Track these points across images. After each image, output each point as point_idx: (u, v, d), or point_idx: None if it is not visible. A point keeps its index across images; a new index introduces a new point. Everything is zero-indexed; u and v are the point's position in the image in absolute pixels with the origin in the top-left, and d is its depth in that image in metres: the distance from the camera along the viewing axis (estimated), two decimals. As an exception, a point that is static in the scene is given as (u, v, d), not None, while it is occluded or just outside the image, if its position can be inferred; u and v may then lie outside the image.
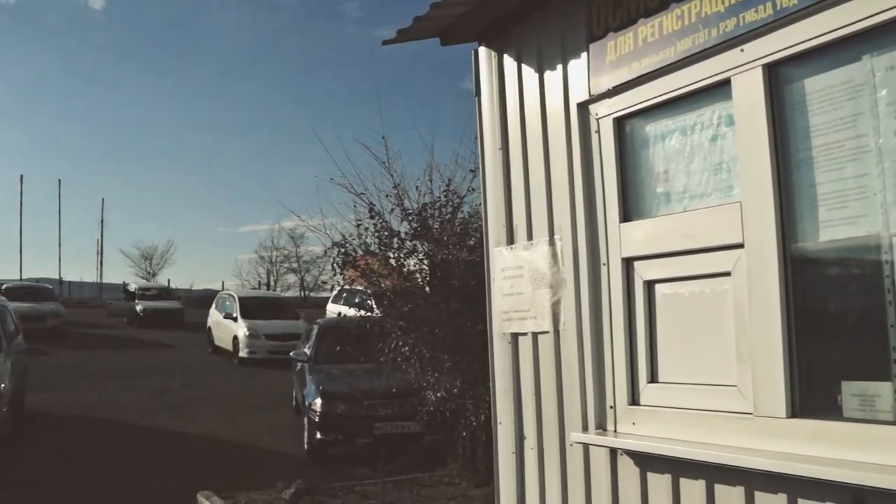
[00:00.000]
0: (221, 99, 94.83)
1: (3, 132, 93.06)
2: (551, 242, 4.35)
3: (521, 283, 4.56)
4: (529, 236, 4.55)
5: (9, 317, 14.06)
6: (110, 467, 11.06)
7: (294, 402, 14.56)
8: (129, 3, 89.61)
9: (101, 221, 65.13)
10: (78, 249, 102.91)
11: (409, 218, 9.54)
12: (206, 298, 44.22)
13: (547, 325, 4.35)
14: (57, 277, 58.34)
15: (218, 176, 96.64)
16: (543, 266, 4.39)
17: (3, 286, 27.44)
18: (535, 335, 4.47)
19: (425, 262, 9.56)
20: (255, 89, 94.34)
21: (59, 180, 64.97)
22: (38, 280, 44.71)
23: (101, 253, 65.28)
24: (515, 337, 4.65)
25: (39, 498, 9.50)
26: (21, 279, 47.30)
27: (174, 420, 14.36)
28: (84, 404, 15.75)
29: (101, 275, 64.55)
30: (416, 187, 9.69)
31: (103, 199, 66.48)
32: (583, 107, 4.21)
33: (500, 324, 4.78)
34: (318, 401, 11.26)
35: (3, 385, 11.23)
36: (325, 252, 10.28)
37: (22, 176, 63.05)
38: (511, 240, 4.72)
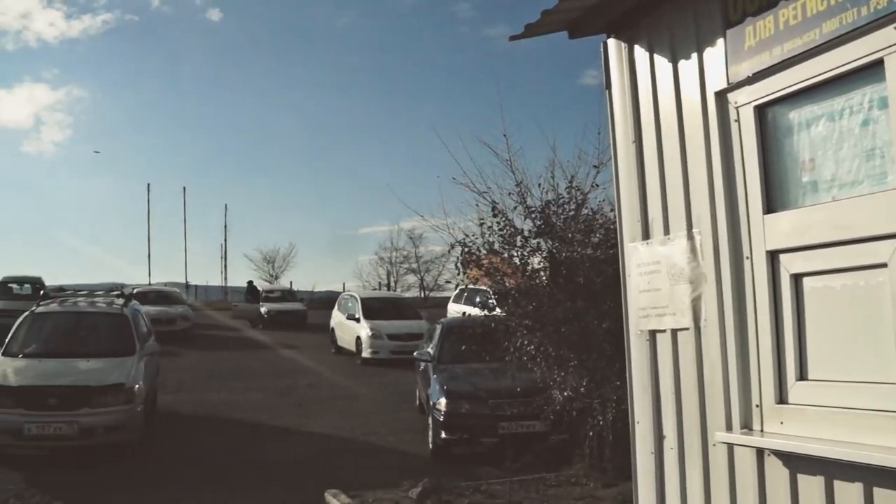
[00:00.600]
0: (338, 103, 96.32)
1: (132, 143, 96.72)
2: (690, 236, 4.22)
3: (659, 278, 4.45)
4: (666, 231, 4.42)
5: (141, 320, 14.52)
6: (239, 465, 11.29)
7: (418, 402, 14.62)
8: (245, 13, 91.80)
9: (225, 226, 66.82)
10: (203, 254, 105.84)
11: (532, 215, 9.46)
12: (327, 300, 44.85)
13: (687, 321, 4.22)
14: (184, 281, 60.07)
15: (336, 179, 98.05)
16: (682, 261, 4.27)
17: (134, 290, 28.35)
18: (674, 332, 4.35)
19: (549, 259, 9.46)
20: (370, 93, 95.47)
21: (184, 188, 66.78)
22: (165, 284, 46.10)
23: (224, 257, 67.02)
24: (653, 334, 4.53)
25: (170, 496, 9.76)
26: (150, 284, 48.89)
27: (300, 419, 14.58)
28: (212, 404, 16.15)
29: (225, 278, 66.26)
30: (539, 184, 9.60)
31: (226, 205, 68.19)
32: (721, 95, 4.07)
33: (637, 321, 4.67)
34: (443, 400, 11.26)
35: (137, 386, 11.58)
36: (450, 250, 10.26)
37: (149, 184, 65.13)
38: (647, 235, 4.60)
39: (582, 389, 8.89)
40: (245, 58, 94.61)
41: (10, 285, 32.43)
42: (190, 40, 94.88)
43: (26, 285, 32.57)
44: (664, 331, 4.43)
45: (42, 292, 18.24)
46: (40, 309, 13.56)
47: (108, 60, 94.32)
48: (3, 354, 12.17)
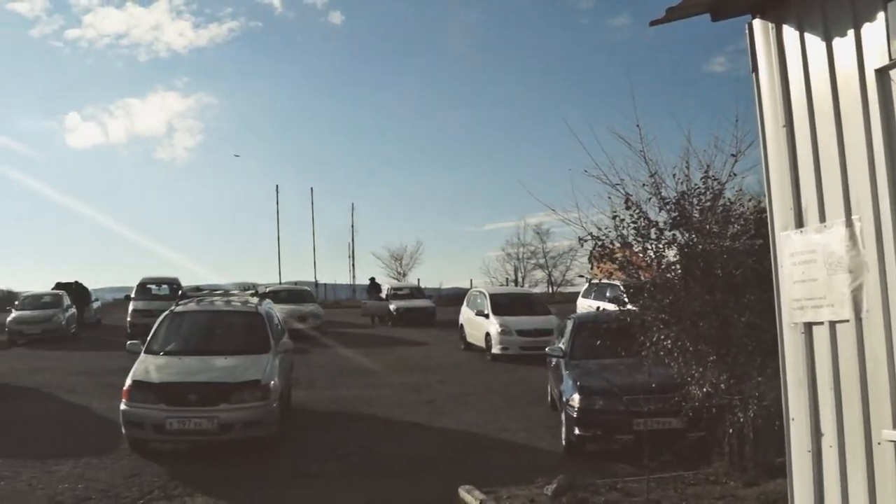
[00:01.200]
0: (461, 100, 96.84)
1: (260, 146, 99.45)
2: (848, 223, 3.99)
3: (814, 268, 4.22)
4: (822, 218, 4.20)
5: (275, 318, 14.84)
6: (373, 460, 11.41)
7: (549, 398, 14.47)
8: (366, 14, 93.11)
9: (352, 225, 67.75)
10: (331, 253, 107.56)
11: (667, 207, 9.21)
12: (455, 296, 44.99)
13: (846, 312, 4.00)
14: (313, 280, 61.23)
15: (461, 176, 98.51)
16: (840, 249, 4.04)
17: (267, 289, 29.03)
18: (832, 324, 4.12)
19: (685, 251, 9.19)
20: (493, 89, 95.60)
21: (312, 188, 68.06)
22: (295, 283, 47.08)
23: (352, 256, 67.95)
24: (809, 326, 4.31)
25: (315, 489, 9.92)
26: (280, 283, 50.01)
27: (432, 415, 14.62)
28: (345, 400, 16.36)
29: (353, 276, 67.22)
30: (673, 175, 9.34)
31: (353, 204, 69.08)
32: (882, 73, 3.83)
33: (791, 312, 4.45)
34: (577, 396, 11.09)
35: (273, 382, 11.81)
36: (582, 244, 10.06)
37: (277, 186, 66.63)
38: (800, 223, 4.38)
39: (721, 385, 8.62)
40: (367, 58, 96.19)
41: (148, 286, 33.75)
42: (313, 43, 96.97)
43: (164, 286, 33.85)
44: (821, 323, 4.21)
45: (180, 292, 18.85)
46: (179, 308, 14.02)
47: (235, 67, 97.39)
48: (145, 352, 12.61)
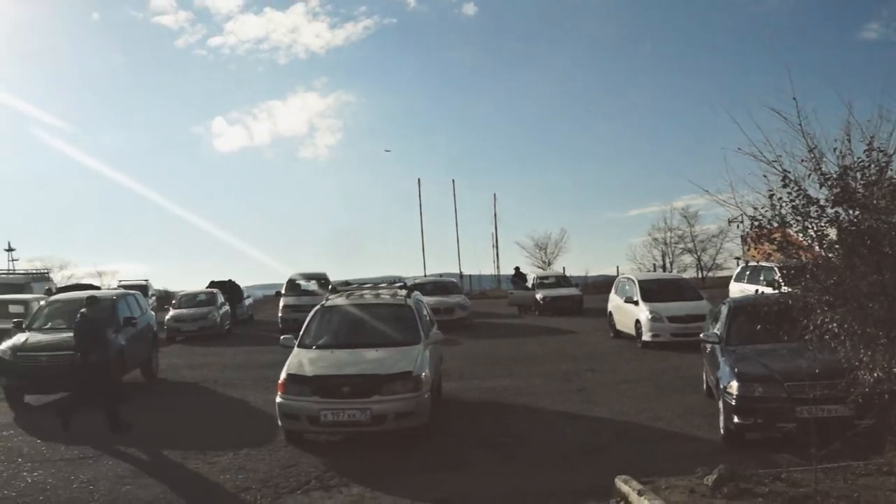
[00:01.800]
0: (600, 83, 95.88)
1: (400, 141, 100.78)
2: None
3: None
4: None
5: (424, 310, 14.92)
6: (526, 450, 11.32)
7: (705, 385, 14.06)
8: (501, 4, 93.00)
9: (495, 215, 67.88)
10: (474, 244, 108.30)
11: (828, 183, 8.73)
12: (601, 284, 44.56)
13: None
14: (457, 272, 61.63)
15: (602, 162, 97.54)
16: None
17: (414, 282, 29.34)
18: None
19: (849, 229, 8.69)
20: (634, 71, 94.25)
21: (453, 180, 68.80)
22: (440, 275, 47.46)
23: (496, 246, 68.10)
24: None
25: (469, 478, 9.91)
26: (425, 275, 50.51)
27: (583, 404, 14.42)
28: (495, 390, 16.32)
29: (497, 267, 67.37)
30: (834, 149, 8.83)
31: (494, 195, 69.22)
32: None
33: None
34: (735, 383, 10.67)
35: (424, 373, 11.85)
36: (737, 226, 9.67)
37: (419, 179, 67.54)
38: None
39: (893, 370, 8.12)
40: (502, 48, 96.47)
41: (298, 282, 34.61)
42: (447, 36, 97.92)
43: (312, 282, 34.64)
44: None
45: (330, 287, 19.23)
46: (329, 303, 14.28)
47: (372, 64, 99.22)
48: (298, 346, 12.92)
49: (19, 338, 17.14)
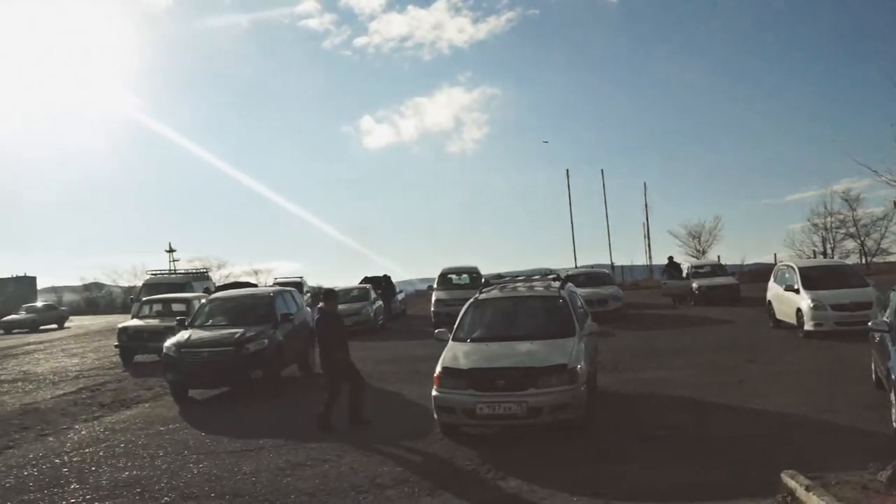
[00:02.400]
0: (747, 66, 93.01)
1: (546, 132, 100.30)
2: None
3: None
4: None
5: (578, 301, 14.76)
6: (686, 442, 11.01)
7: (874, 376, 13.38)
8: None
9: (645, 205, 66.91)
10: (625, 234, 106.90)
11: None
12: (758, 272, 43.23)
13: None
14: (608, 262, 61.03)
15: (756, 147, 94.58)
16: None
17: (566, 274, 29.21)
18: None
19: None
20: (782, 54, 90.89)
21: (602, 170, 68.17)
22: (591, 266, 47.06)
23: (647, 236, 67.10)
24: None
25: (627, 471, 9.70)
26: (576, 267, 50.17)
27: (744, 396, 13.94)
28: (651, 381, 16.01)
29: (650, 257, 66.39)
30: None
31: (645, 184, 68.22)
32: None
33: None
34: (908, 373, 10.14)
35: (579, 366, 11.70)
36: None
37: (567, 170, 67.14)
38: None
39: None
40: (646, 35, 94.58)
41: (449, 276, 34.94)
42: (590, 26, 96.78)
43: (464, 275, 34.93)
44: None
45: (483, 280, 19.29)
46: (482, 296, 14.27)
47: (516, 56, 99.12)
48: (452, 340, 12.97)
49: (182, 335, 17.89)
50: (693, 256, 60.29)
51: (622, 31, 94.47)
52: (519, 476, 9.64)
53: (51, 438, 13.96)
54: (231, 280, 44.07)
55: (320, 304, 13.94)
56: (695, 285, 35.33)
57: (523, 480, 9.48)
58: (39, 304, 60.79)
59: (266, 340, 17.30)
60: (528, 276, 15.80)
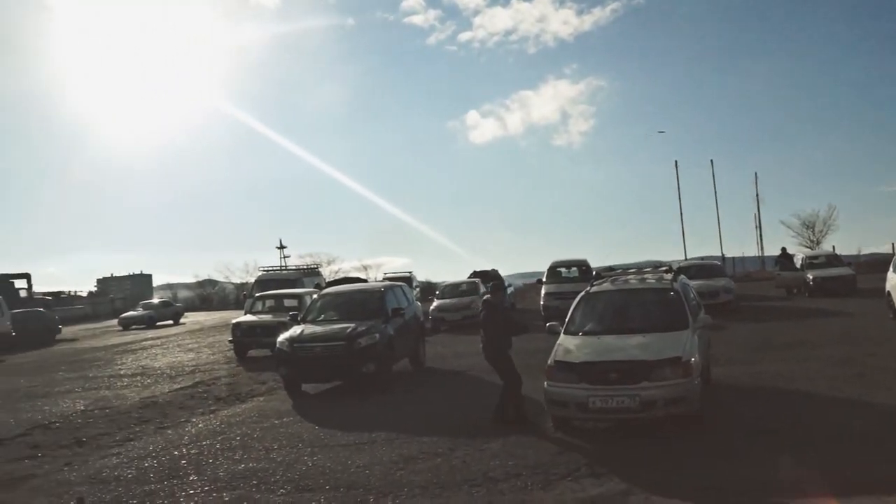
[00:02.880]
0: (860, 52, 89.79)
1: (655, 123, 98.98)
2: None
3: None
4: None
5: (691, 294, 14.49)
6: (804, 438, 10.65)
7: None
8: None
9: (756, 195, 65.56)
10: (735, 225, 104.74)
11: None
12: (875, 263, 41.76)
13: None
14: (718, 254, 59.92)
15: (872, 133, 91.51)
16: None
17: (677, 266, 28.76)
18: None
19: None
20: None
21: (711, 161, 66.86)
22: (702, 258, 46.24)
23: (758, 227, 65.67)
24: None
25: (745, 467, 9.47)
26: (685, 258, 49.35)
27: (864, 390, 13.45)
28: (765, 375, 15.61)
29: (761, 248, 64.95)
30: None
31: (756, 173, 66.84)
32: None
33: None
34: None
35: (693, 359, 11.49)
36: None
37: (676, 162, 66.11)
38: None
39: None
40: (757, 23, 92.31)
41: (558, 269, 34.73)
42: (697, 14, 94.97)
43: (573, 269, 34.69)
44: None
45: (594, 273, 19.14)
46: (594, 289, 14.15)
47: (622, 47, 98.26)
48: (563, 333, 12.90)
49: (295, 330, 18.20)
50: (807, 247, 58.67)
51: (731, 19, 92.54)
52: (632, 470, 9.52)
53: (169, 431, 14.40)
54: (341, 276, 44.76)
55: (486, 296, 13.92)
56: (809, 276, 34.40)
57: (636, 475, 9.35)
58: (156, 300, 63.16)
59: (377, 335, 17.46)
60: (640, 269, 15.57)
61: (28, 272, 69.26)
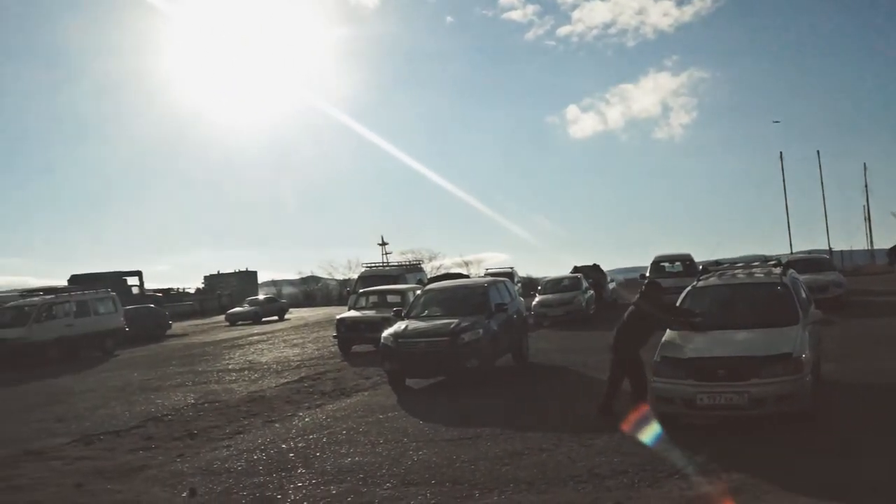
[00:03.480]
0: None
1: (759, 114, 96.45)
2: None
3: None
4: None
5: (801, 288, 14.08)
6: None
7: None
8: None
9: (865, 186, 63.62)
10: (843, 218, 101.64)
11: None
12: None
13: None
14: (826, 248, 58.32)
15: None
16: None
17: (785, 259, 28.08)
18: None
19: None
20: None
21: (818, 151, 65.15)
22: (809, 252, 45.05)
23: (868, 219, 63.70)
24: None
25: (860, 464, 9.20)
26: (791, 252, 48.14)
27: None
28: (881, 372, 15.01)
29: (870, 241, 63.03)
30: None
31: (864, 164, 64.93)
32: None
33: None
34: None
35: (804, 355, 11.17)
36: None
37: (781, 153, 64.55)
38: None
39: None
40: (862, 12, 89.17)
41: (662, 264, 34.28)
42: (800, 2, 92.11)
43: (677, 263, 34.22)
44: None
45: (700, 267, 18.80)
46: (700, 283, 13.88)
47: (724, 37, 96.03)
48: (670, 329, 12.64)
49: (399, 326, 18.35)
50: (923, 239, 56.57)
51: (835, 7, 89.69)
52: (741, 469, 9.29)
53: (277, 425, 14.66)
54: (442, 271, 44.98)
55: (637, 296, 13.70)
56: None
57: (745, 474, 9.13)
58: (261, 296, 64.53)
59: (481, 331, 17.44)
60: (747, 263, 15.21)
61: (139, 270, 71.89)
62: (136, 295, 64.65)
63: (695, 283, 14.00)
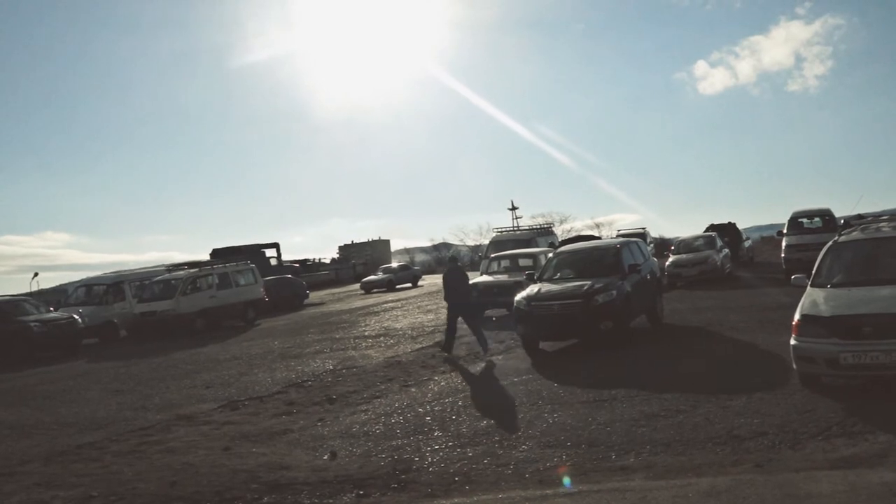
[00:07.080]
0: None
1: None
2: None
3: None
4: None
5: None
6: None
7: None
8: None
9: None
10: None
11: None
12: None
13: None
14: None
15: None
16: None
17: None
18: None
19: None
20: None
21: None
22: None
23: None
24: None
25: None
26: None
27: None
28: None
29: None
30: None
31: None
32: None
33: None
34: None
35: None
36: None
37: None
38: None
39: None
40: None
41: (800, 220, 33.12)
42: None
43: (816, 219, 33.01)
44: None
45: (842, 221, 18.14)
46: (842, 238, 13.34)
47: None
48: (811, 286, 12.27)
49: (532, 289, 18.34)
50: None
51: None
52: (889, 431, 8.95)
53: (413, 389, 14.91)
54: (573, 234, 44.68)
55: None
56: None
57: (892, 436, 8.79)
58: (394, 264, 65.71)
59: (614, 292, 17.24)
60: (893, 216, 14.54)
61: (277, 242, 74.32)
62: (274, 266, 66.68)
63: (836, 238, 13.48)
